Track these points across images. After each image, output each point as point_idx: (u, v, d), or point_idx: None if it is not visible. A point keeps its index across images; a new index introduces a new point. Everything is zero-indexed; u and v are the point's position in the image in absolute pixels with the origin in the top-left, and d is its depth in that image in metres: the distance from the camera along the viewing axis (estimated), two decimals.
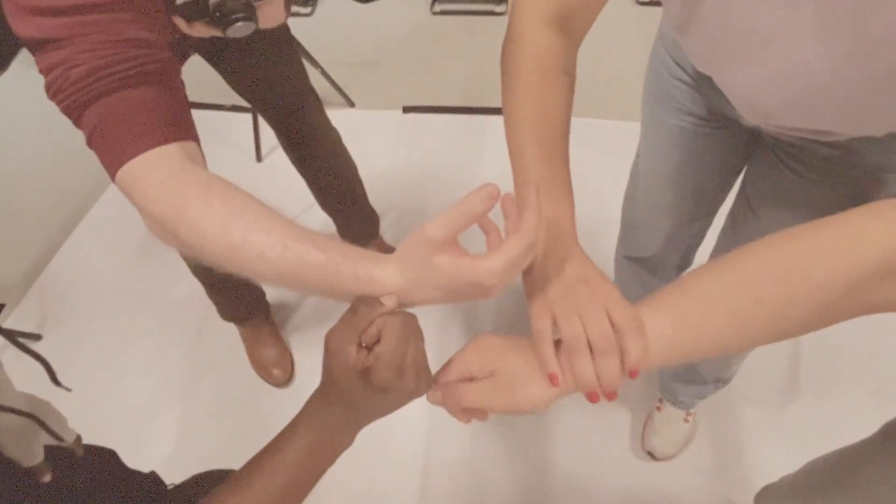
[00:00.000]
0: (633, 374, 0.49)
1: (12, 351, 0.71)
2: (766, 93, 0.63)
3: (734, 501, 1.32)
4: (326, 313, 1.68)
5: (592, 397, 0.50)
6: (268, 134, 1.50)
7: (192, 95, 0.67)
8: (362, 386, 0.48)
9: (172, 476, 0.84)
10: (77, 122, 0.56)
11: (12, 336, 0.69)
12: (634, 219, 1.15)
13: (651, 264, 1.19)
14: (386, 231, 1.79)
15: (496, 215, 0.55)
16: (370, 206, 1.69)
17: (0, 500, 0.51)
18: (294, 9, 0.94)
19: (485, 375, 0.52)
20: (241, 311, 1.58)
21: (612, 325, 0.49)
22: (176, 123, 0.57)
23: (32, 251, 1.95)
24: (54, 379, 0.72)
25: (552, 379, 0.50)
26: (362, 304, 0.49)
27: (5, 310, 1.80)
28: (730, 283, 0.48)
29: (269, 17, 0.85)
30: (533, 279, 0.55)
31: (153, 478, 0.81)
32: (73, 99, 0.54)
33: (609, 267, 1.33)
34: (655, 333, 0.48)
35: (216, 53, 1.14)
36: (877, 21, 0.48)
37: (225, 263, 0.52)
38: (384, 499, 1.39)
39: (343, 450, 0.53)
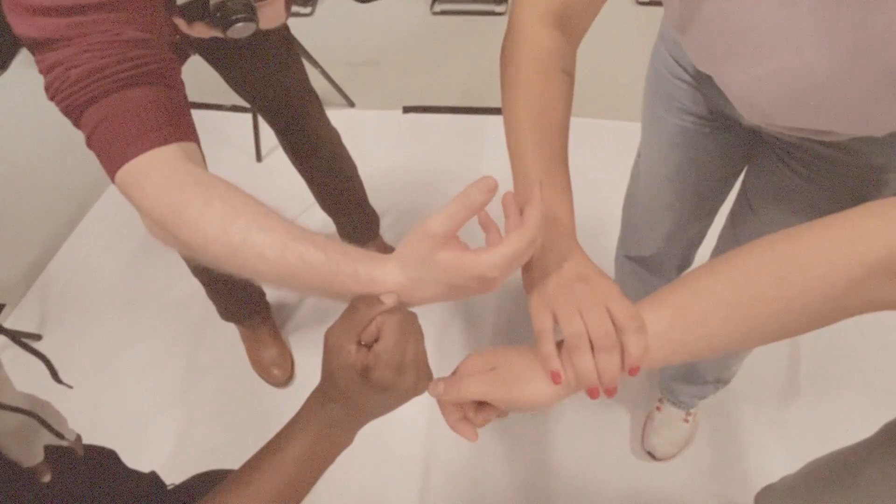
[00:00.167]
0: (633, 372, 0.49)
1: (12, 351, 0.71)
2: (765, 92, 0.63)
3: (734, 501, 1.32)
4: (326, 313, 1.68)
5: (593, 393, 0.50)
6: (268, 134, 1.50)
7: (192, 95, 0.67)
8: (362, 384, 0.48)
9: (172, 476, 0.84)
10: (77, 123, 0.56)
11: (14, 335, 0.69)
12: (635, 218, 1.15)
13: (651, 264, 1.19)
14: (386, 231, 1.79)
15: (497, 215, 0.55)
16: (370, 206, 1.69)
17: (0, 500, 0.51)
18: (294, 9, 0.94)
19: (487, 369, 0.52)
20: (241, 311, 1.58)
21: (613, 322, 0.49)
22: (176, 124, 0.57)
23: (32, 251, 1.95)
24: (56, 376, 0.72)
25: (554, 377, 0.50)
26: (362, 302, 0.49)
27: (5, 310, 1.80)
28: (730, 281, 0.48)
29: (269, 17, 0.85)
30: (533, 278, 0.55)
31: (153, 478, 0.81)
32: (72, 99, 0.54)
33: (609, 266, 1.33)
34: (656, 331, 0.48)
35: (216, 54, 1.14)
36: (876, 21, 0.48)
37: (225, 263, 0.51)
38: (384, 499, 1.39)
39: (343, 449, 0.53)
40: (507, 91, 0.62)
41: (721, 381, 1.29)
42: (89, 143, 0.56)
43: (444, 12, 2.70)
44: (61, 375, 0.72)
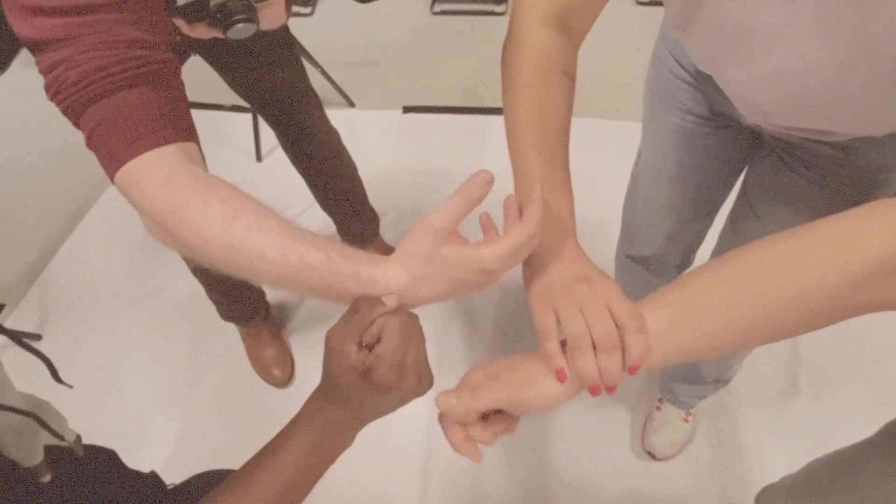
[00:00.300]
0: (633, 371, 0.49)
1: (12, 351, 0.71)
2: (766, 92, 0.63)
3: (734, 501, 1.32)
4: (326, 313, 1.68)
5: (594, 390, 0.50)
6: (268, 134, 1.50)
7: (192, 95, 0.67)
8: (363, 386, 0.47)
9: (172, 476, 0.84)
10: (77, 123, 0.56)
11: (15, 335, 0.69)
12: (635, 218, 1.15)
13: (652, 264, 1.19)
14: (386, 231, 1.79)
15: (497, 218, 0.55)
16: (370, 206, 1.68)
17: (0, 500, 0.51)
18: (294, 9, 0.94)
19: (492, 378, 0.52)
20: (241, 311, 1.58)
21: (615, 322, 0.49)
22: (175, 124, 0.57)
23: (32, 251, 1.95)
24: (56, 376, 0.72)
25: (559, 375, 0.50)
26: (363, 303, 0.49)
27: (5, 310, 1.80)
28: (730, 280, 0.48)
29: (270, 18, 0.85)
30: (534, 278, 0.55)
31: (153, 478, 0.81)
32: (72, 99, 0.54)
33: (609, 266, 1.33)
34: (656, 331, 0.49)
35: (216, 54, 1.14)
36: (877, 20, 0.48)
37: (224, 264, 0.51)
38: (384, 499, 1.39)
39: (343, 449, 0.53)
40: (507, 92, 0.62)
41: (721, 382, 1.29)
42: (89, 144, 0.56)
43: (444, 12, 2.70)
44: (61, 375, 0.72)
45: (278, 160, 1.67)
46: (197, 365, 1.66)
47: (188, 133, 0.59)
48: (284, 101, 1.29)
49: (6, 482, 0.54)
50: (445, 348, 1.61)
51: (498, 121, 0.63)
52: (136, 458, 0.80)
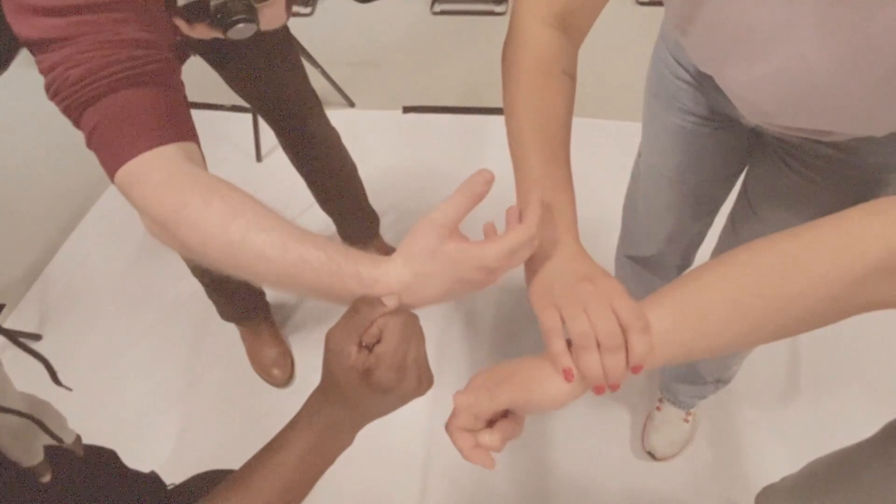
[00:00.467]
0: (636, 370, 0.49)
1: (12, 351, 0.71)
2: (766, 92, 0.63)
3: (734, 501, 1.32)
4: (326, 313, 1.68)
5: (598, 390, 0.50)
6: (268, 134, 1.50)
7: (192, 95, 0.67)
8: (363, 386, 0.47)
9: (172, 476, 0.84)
10: (77, 123, 0.56)
11: (13, 336, 0.69)
12: (635, 218, 1.15)
13: (652, 264, 1.19)
14: (386, 231, 1.79)
15: (499, 223, 0.55)
16: (370, 206, 1.68)
17: (0, 500, 0.51)
18: (294, 9, 0.94)
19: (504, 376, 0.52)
20: (241, 311, 1.58)
21: (618, 322, 0.49)
22: (175, 124, 0.57)
23: (32, 251, 1.95)
24: (55, 378, 0.72)
25: (566, 374, 0.50)
26: (364, 303, 0.49)
27: (5, 310, 1.80)
28: (731, 279, 0.48)
29: (270, 18, 0.84)
30: (537, 278, 0.55)
31: (153, 478, 0.81)
32: (72, 99, 0.54)
33: (609, 266, 1.33)
34: (658, 330, 0.49)
35: (216, 54, 1.14)
36: (877, 20, 0.48)
37: (224, 264, 0.51)
38: (384, 499, 1.39)
39: (343, 450, 0.53)
40: (508, 92, 0.63)
41: (721, 382, 1.29)
42: (89, 143, 0.56)
43: (444, 12, 2.70)
44: (61, 375, 0.72)
45: (278, 160, 1.67)
46: (197, 365, 1.65)
47: (188, 133, 0.59)
48: (284, 101, 1.29)
49: (6, 482, 0.54)
50: (445, 348, 1.61)
51: (498, 121, 0.63)
52: (136, 458, 0.80)
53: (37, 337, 1.73)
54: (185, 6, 0.73)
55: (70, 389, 0.73)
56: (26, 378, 0.72)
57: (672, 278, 1.07)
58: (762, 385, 1.48)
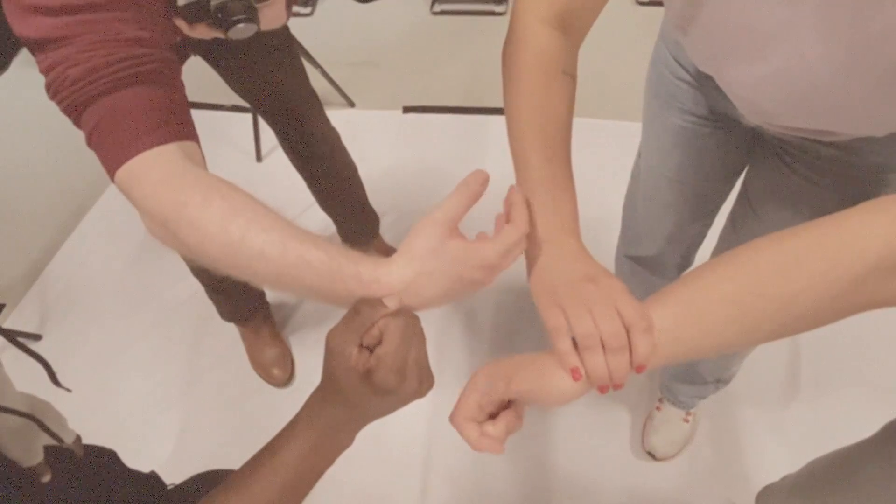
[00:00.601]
0: (640, 370, 0.49)
1: (12, 351, 0.71)
2: (766, 92, 0.63)
3: (734, 501, 1.32)
4: (327, 313, 1.68)
5: (602, 389, 0.50)
6: (268, 134, 1.50)
7: (192, 95, 0.66)
8: (363, 387, 0.47)
9: (172, 476, 0.84)
10: (77, 122, 0.56)
11: (12, 336, 0.69)
12: (635, 218, 1.15)
13: (652, 264, 1.19)
14: (386, 231, 1.79)
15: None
16: (370, 206, 1.68)
17: (0, 500, 0.51)
18: (294, 9, 0.94)
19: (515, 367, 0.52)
20: (241, 311, 1.58)
21: (622, 322, 0.49)
22: (175, 123, 0.57)
23: (32, 251, 1.95)
24: (54, 379, 0.72)
25: (574, 373, 0.50)
26: (364, 304, 0.49)
27: (5, 310, 1.80)
28: (732, 277, 0.48)
29: (270, 18, 0.84)
30: (540, 279, 0.55)
31: (153, 478, 0.81)
32: (72, 98, 0.54)
33: (609, 266, 1.33)
34: (661, 330, 0.49)
35: (216, 54, 1.14)
36: (877, 20, 0.48)
37: (224, 263, 0.51)
38: (384, 499, 1.39)
39: (343, 450, 0.53)
40: (508, 93, 0.63)
41: (721, 382, 1.29)
42: (89, 143, 0.56)
43: (444, 12, 2.70)
44: (61, 375, 0.72)
45: (278, 160, 1.67)
46: (197, 365, 1.65)
47: (188, 132, 0.58)
48: (284, 101, 1.29)
49: (6, 482, 0.54)
50: (445, 349, 1.60)
51: (498, 121, 0.64)
52: (136, 458, 0.80)
53: (37, 337, 1.73)
54: (186, 6, 0.73)
55: (69, 391, 0.73)
56: (26, 378, 0.72)
57: (672, 278, 1.07)
58: (762, 385, 1.48)
